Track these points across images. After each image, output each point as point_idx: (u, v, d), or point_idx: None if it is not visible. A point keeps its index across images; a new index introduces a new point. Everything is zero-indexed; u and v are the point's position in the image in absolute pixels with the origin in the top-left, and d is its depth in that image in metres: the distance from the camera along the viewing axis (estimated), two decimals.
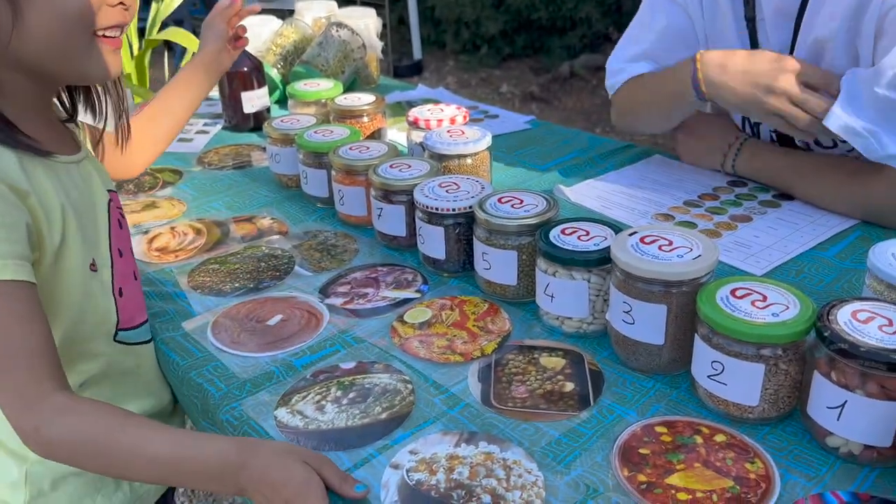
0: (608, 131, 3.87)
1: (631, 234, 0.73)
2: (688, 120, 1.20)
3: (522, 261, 0.82)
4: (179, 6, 2.03)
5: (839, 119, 0.91)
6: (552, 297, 0.77)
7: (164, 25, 2.05)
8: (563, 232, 0.79)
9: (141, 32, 2.09)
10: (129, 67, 1.86)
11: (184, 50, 2.50)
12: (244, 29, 1.09)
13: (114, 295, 0.76)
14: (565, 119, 4.03)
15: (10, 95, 0.68)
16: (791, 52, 1.00)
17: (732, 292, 0.67)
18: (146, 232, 1.05)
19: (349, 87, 1.57)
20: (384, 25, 4.83)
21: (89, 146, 0.83)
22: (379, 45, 1.66)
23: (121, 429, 0.62)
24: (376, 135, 1.26)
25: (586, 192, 1.11)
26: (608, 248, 0.74)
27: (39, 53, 0.66)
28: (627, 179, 1.15)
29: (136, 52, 1.86)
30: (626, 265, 0.69)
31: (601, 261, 0.74)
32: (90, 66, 0.69)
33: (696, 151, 1.18)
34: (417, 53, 4.94)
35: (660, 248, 0.71)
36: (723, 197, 1.08)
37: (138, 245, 1.02)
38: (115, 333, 0.77)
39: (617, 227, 0.79)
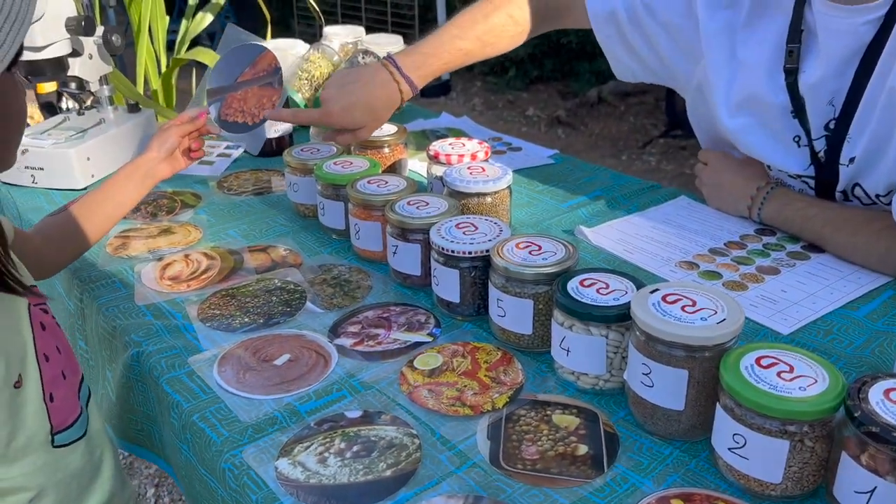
0: (634, 158, 3.83)
1: (652, 292, 0.70)
2: (714, 164, 1.17)
3: (539, 310, 0.80)
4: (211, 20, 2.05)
5: None
6: (568, 351, 0.75)
7: (193, 43, 2.06)
8: (581, 283, 0.76)
9: (170, 46, 2.10)
10: (155, 84, 1.87)
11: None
12: (199, 143, 1.07)
13: (44, 402, 0.72)
14: (591, 145, 4.00)
15: None
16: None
17: (757, 361, 0.63)
18: (160, 259, 1.04)
19: None
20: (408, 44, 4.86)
21: None
22: None
23: None
24: (396, 166, 1.24)
25: (608, 235, 1.08)
26: (628, 303, 0.71)
27: None
28: (651, 222, 1.12)
29: (163, 69, 1.87)
30: (646, 326, 0.66)
31: (620, 317, 0.72)
32: (10, 161, 0.69)
33: (722, 197, 1.15)
34: (445, 74, 4.95)
35: (683, 308, 0.68)
36: (750, 246, 1.05)
37: (151, 271, 1.01)
38: (52, 440, 0.73)
39: (638, 282, 0.76)
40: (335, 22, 5.04)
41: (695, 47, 1.10)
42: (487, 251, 0.85)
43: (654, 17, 1.11)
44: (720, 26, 1.06)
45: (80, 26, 1.28)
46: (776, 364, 0.63)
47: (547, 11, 1.19)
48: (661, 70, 1.17)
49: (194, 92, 2.41)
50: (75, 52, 1.34)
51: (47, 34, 1.25)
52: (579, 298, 0.73)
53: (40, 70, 1.30)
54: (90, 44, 1.36)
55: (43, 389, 0.72)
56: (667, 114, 4.08)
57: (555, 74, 4.89)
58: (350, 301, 0.94)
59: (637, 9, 1.12)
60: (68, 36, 1.29)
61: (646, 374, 0.68)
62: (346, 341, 0.86)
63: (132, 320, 0.90)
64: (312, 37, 5.40)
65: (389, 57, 1.14)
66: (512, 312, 0.81)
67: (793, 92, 1.01)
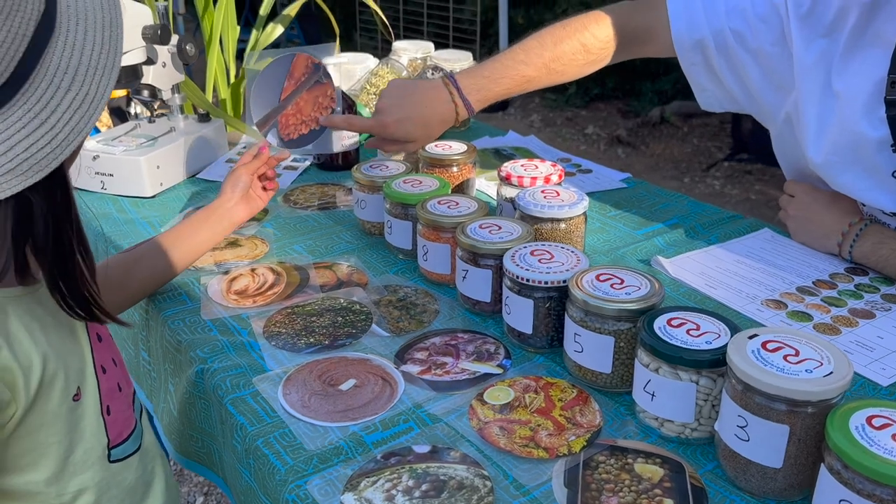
0: (697, 181, 3.73)
1: (751, 338, 0.65)
2: (801, 196, 1.10)
3: (620, 348, 0.75)
4: None
5: None
6: (652, 395, 0.70)
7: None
8: (669, 322, 0.71)
9: (239, 55, 2.12)
10: (224, 93, 1.88)
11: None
12: (273, 172, 1.06)
13: (102, 415, 0.70)
14: (652, 166, 3.92)
15: None
16: None
17: (869, 420, 0.58)
18: (227, 272, 1.03)
19: None
20: (474, 60, 4.88)
21: None
22: None
23: None
24: (464, 185, 1.21)
25: (687, 267, 1.03)
26: (722, 347, 0.67)
27: None
28: (734, 255, 1.06)
29: (232, 78, 1.88)
30: (744, 375, 0.61)
31: (713, 362, 0.67)
32: None
33: (810, 231, 1.08)
34: None
35: (785, 357, 0.62)
36: (840, 286, 0.98)
37: (217, 285, 1.00)
38: (109, 454, 0.71)
39: (732, 325, 0.71)
40: (397, 36, 5.08)
41: (785, 77, 1.04)
42: (565, 282, 0.81)
43: (744, 44, 1.06)
44: (816, 56, 1.00)
45: (156, 35, 1.29)
46: (890, 425, 0.57)
47: (626, 39, 1.14)
48: (747, 100, 1.11)
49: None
50: (149, 61, 1.35)
51: (124, 42, 1.26)
52: (668, 340, 0.68)
53: None
54: (164, 52, 1.37)
55: (101, 402, 0.70)
56: (732, 136, 3.97)
57: (616, 93, 4.81)
58: (417, 325, 0.91)
59: (726, 36, 1.06)
60: (143, 44, 1.30)
61: (741, 427, 0.62)
62: (413, 368, 0.83)
63: (198, 335, 0.89)
64: (374, 49, 5.45)
65: (451, 76, 1.12)
66: (590, 349, 0.76)
67: (894, 125, 0.94)
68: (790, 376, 0.60)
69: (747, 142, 3.78)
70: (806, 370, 0.61)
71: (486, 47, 5.03)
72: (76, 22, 0.55)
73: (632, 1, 1.19)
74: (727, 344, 0.66)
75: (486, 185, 1.32)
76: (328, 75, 1.15)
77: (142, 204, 1.26)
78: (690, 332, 0.70)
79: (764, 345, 0.64)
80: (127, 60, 1.29)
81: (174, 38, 1.36)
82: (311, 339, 0.88)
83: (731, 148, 3.94)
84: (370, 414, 0.75)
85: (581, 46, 1.12)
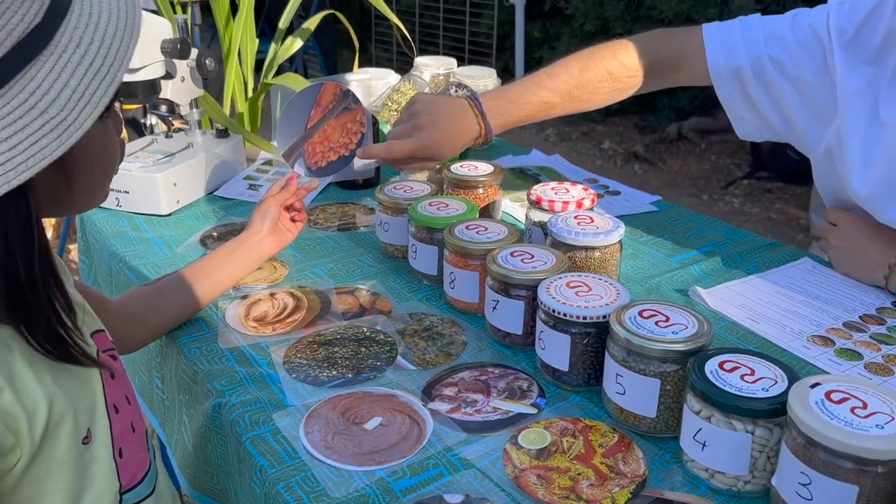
0: (715, 199, 3.68)
1: (813, 387, 0.60)
2: (844, 225, 1.05)
3: (666, 391, 0.71)
4: None
5: None
6: (703, 444, 0.65)
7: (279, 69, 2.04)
8: (721, 366, 0.67)
9: (257, 67, 2.08)
10: (241, 107, 1.85)
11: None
12: (302, 203, 1.02)
13: (113, 458, 0.65)
14: (669, 182, 3.86)
15: None
16: None
17: None
18: (245, 297, 0.99)
19: None
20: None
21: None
22: None
23: None
24: (490, 207, 1.17)
25: (728, 299, 0.98)
26: (780, 395, 0.62)
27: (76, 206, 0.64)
28: (775, 287, 1.01)
29: (250, 92, 1.85)
30: (808, 429, 0.57)
31: (771, 412, 0.62)
32: (100, 199, 0.65)
33: (853, 263, 1.03)
34: None
35: (852, 410, 0.58)
36: (889, 321, 0.93)
37: (235, 310, 0.96)
38: (120, 500, 0.66)
39: (789, 370, 0.66)
40: (412, 50, 5.05)
41: (827, 107, 1.00)
42: (604, 317, 0.76)
43: (784, 72, 1.01)
44: (861, 83, 0.96)
45: (175, 49, 1.26)
46: None
47: (657, 67, 1.10)
48: (785, 129, 1.07)
49: (278, 111, 2.39)
50: (168, 75, 1.32)
51: (143, 56, 1.23)
52: (721, 386, 0.64)
53: (133, 92, 1.28)
54: (183, 67, 1.34)
55: (112, 444, 0.66)
56: (751, 154, 3.91)
57: (632, 108, 4.76)
58: (444, 358, 0.87)
59: (765, 63, 1.02)
60: (162, 58, 1.27)
61: (804, 485, 0.58)
62: (442, 406, 0.78)
63: (215, 365, 0.85)
64: (389, 61, 5.41)
65: (476, 98, 1.08)
66: (633, 391, 0.72)
67: None
68: (860, 432, 0.55)
69: (766, 160, 3.72)
70: (876, 425, 0.56)
71: (501, 61, 5.00)
72: (77, 44, 0.51)
73: (664, 28, 1.15)
74: (785, 392, 0.62)
75: (511, 207, 1.28)
76: (357, 101, 1.11)
77: (158, 222, 1.22)
78: (745, 377, 0.65)
79: (828, 395, 0.59)
80: (145, 75, 1.26)
81: (193, 53, 1.33)
82: (334, 372, 0.84)
83: (750, 165, 3.88)
84: (398, 457, 0.71)
85: (607, 74, 1.09)
